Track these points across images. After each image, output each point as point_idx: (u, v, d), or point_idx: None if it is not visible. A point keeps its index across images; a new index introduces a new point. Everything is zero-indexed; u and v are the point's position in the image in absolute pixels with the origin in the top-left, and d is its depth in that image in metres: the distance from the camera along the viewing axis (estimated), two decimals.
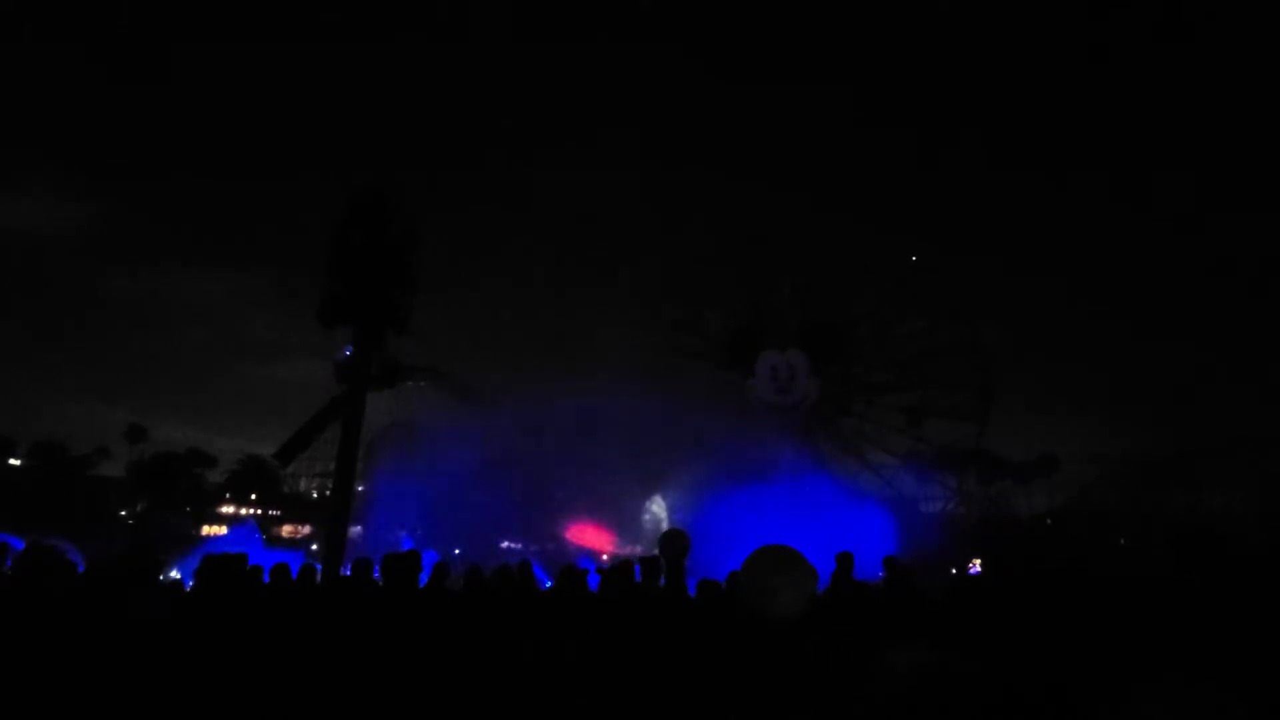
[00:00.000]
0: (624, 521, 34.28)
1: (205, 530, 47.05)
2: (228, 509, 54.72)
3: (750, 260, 47.83)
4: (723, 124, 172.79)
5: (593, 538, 33.83)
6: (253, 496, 56.09)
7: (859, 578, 8.95)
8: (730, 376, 44.63)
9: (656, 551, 9.23)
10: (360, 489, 32.26)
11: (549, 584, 10.96)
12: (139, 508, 51.48)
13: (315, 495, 54.80)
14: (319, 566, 12.25)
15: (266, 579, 8.38)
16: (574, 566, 8.18)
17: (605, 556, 29.31)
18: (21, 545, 8.60)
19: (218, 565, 7.92)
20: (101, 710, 5.65)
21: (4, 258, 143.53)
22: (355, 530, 30.40)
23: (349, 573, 9.13)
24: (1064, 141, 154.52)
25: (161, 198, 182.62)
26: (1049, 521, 46.19)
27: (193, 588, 8.34)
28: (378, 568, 7.63)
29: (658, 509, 34.97)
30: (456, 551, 29.59)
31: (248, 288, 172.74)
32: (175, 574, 19.47)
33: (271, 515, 53.00)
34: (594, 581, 8.59)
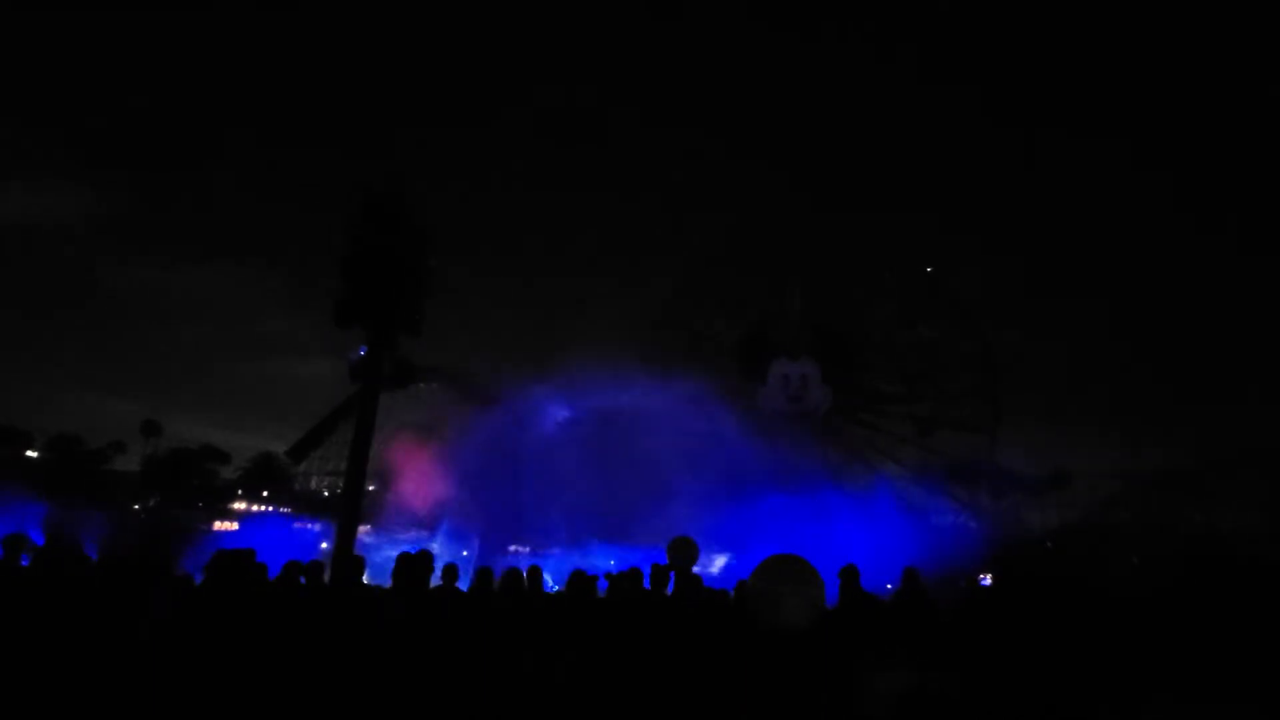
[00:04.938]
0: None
1: (217, 526, 47.37)
2: (240, 505, 55.11)
3: (762, 267, 47.90)
4: (727, 126, 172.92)
5: None
6: (264, 494, 56.46)
7: (871, 589, 8.89)
8: (742, 384, 44.57)
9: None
10: (371, 489, 32.40)
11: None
12: (152, 502, 51.92)
13: (326, 494, 55.08)
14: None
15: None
16: (583, 572, 8.19)
17: (612, 562, 29.24)
18: (41, 538, 8.70)
19: (227, 561, 7.98)
20: (113, 699, 5.71)
21: (22, 249, 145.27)
22: (365, 530, 30.52)
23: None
24: (1075, 143, 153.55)
25: (179, 191, 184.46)
26: (1062, 537, 45.72)
27: (202, 583, 8.42)
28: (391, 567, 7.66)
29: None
30: (465, 554, 29.65)
31: (264, 285, 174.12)
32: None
33: (282, 513, 53.33)
34: (602, 587, 8.60)
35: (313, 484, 57.77)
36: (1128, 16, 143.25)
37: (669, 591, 8.45)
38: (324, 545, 34.11)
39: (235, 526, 46.17)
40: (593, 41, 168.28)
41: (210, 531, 44.30)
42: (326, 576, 9.19)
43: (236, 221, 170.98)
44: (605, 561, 26.05)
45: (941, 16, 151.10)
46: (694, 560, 9.05)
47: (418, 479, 33.53)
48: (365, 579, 8.51)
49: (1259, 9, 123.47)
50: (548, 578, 10.82)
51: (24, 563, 7.79)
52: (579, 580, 7.98)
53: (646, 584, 8.50)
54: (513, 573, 8.47)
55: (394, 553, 8.13)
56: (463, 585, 8.55)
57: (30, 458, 51.69)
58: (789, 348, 44.74)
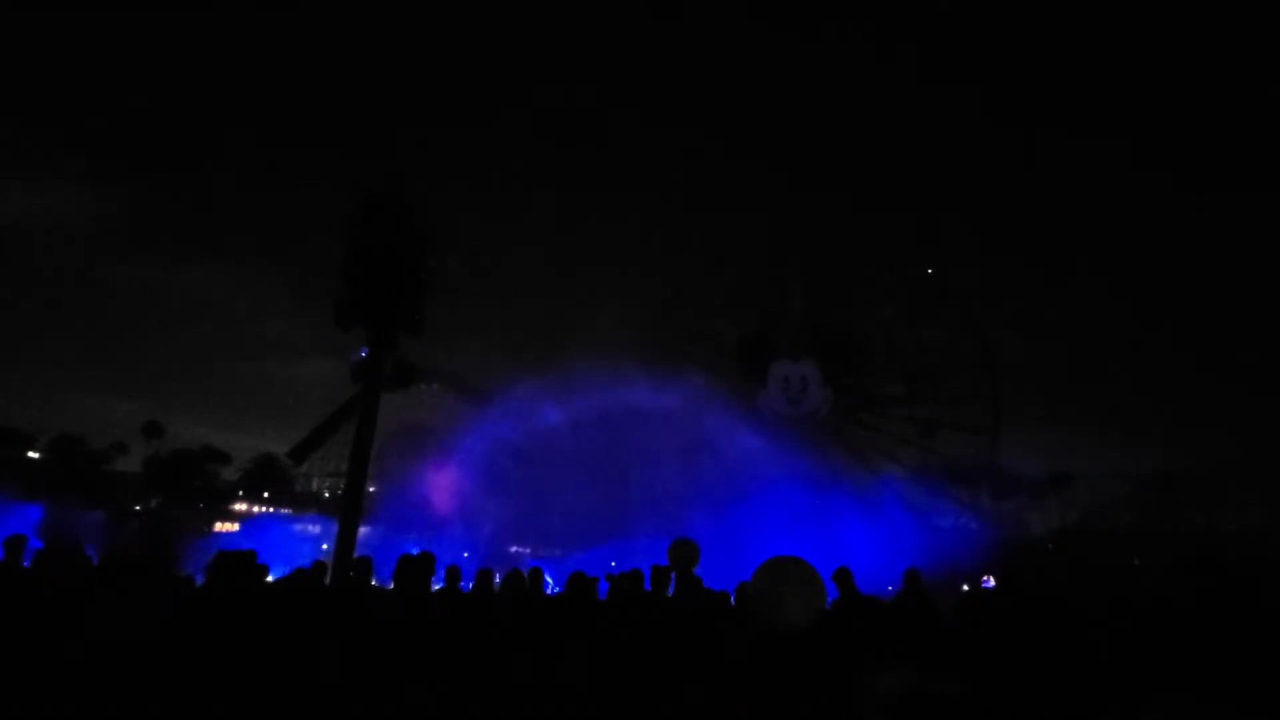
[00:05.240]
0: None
1: (218, 527, 47.42)
2: (241, 506, 55.18)
3: (762, 268, 47.91)
4: (727, 126, 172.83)
5: None
6: (265, 495, 56.55)
7: (873, 590, 8.89)
8: (742, 385, 44.54)
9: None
10: (372, 490, 32.43)
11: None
12: (153, 503, 51.96)
13: (327, 495, 55.15)
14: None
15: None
16: (583, 573, 8.18)
17: (613, 563, 29.24)
18: (39, 541, 8.70)
19: (229, 562, 7.97)
20: (113, 700, 5.71)
21: (22, 249, 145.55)
22: (365, 531, 30.52)
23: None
24: (1075, 143, 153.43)
25: (179, 191, 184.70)
26: (1063, 539, 45.72)
27: (203, 584, 8.41)
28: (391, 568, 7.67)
29: None
30: (465, 555, 29.64)
31: (264, 285, 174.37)
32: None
33: (283, 514, 53.39)
34: (603, 589, 8.60)
35: (314, 485, 57.87)
36: (1128, 16, 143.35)
37: (670, 593, 8.45)
38: (325, 546, 34.13)
39: (236, 527, 46.23)
40: (593, 41, 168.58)
41: (211, 532, 44.34)
42: (328, 578, 9.20)
43: (236, 221, 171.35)
44: (606, 562, 26.05)
45: (941, 16, 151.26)
46: (695, 561, 9.04)
47: (419, 480, 33.57)
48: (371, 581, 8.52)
49: (1259, 9, 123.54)
50: (548, 579, 10.83)
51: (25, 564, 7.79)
52: (579, 581, 7.98)
53: (647, 585, 8.50)
54: (514, 574, 8.48)
55: (396, 554, 8.14)
56: (464, 586, 8.55)
57: (32, 458, 51.74)
58: (789, 348, 44.69)
